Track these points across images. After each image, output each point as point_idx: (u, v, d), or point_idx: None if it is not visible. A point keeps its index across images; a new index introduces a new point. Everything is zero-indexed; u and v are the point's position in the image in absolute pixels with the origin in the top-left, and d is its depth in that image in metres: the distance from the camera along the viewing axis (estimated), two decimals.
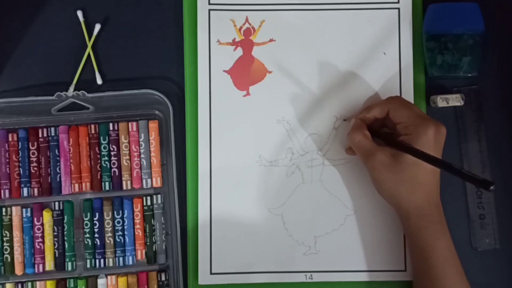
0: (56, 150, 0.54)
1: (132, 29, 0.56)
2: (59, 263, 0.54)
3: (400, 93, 0.55)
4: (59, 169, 0.54)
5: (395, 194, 0.49)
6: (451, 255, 0.49)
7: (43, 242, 0.54)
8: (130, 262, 0.54)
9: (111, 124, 0.55)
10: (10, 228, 0.54)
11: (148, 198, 0.55)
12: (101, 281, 0.54)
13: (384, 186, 0.49)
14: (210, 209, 0.55)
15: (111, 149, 0.54)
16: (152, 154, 0.54)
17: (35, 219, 0.54)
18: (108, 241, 0.54)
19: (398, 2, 0.56)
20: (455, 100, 0.54)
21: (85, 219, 0.54)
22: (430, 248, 0.48)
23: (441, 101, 0.54)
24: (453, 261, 0.49)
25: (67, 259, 0.54)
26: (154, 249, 0.55)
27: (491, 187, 0.40)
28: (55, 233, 0.54)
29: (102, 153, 0.54)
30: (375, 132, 0.51)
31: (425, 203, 0.48)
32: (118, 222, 0.54)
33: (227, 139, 0.55)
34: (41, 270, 0.54)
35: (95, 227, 0.54)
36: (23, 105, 0.54)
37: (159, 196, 0.55)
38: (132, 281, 0.54)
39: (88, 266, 0.54)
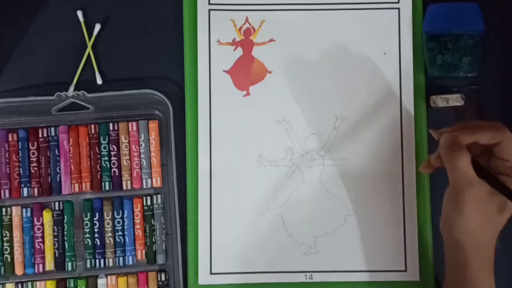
0: (56, 150, 0.54)
1: (132, 29, 0.57)
2: (59, 263, 0.54)
3: (400, 93, 0.55)
4: (59, 169, 0.54)
5: (470, 234, 0.45)
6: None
7: (43, 242, 0.54)
8: (130, 262, 0.54)
9: (111, 124, 0.55)
10: (10, 228, 0.54)
11: (148, 198, 0.55)
12: (101, 281, 0.54)
13: (464, 223, 0.44)
14: (210, 209, 0.55)
15: (111, 149, 0.54)
16: (152, 154, 0.54)
17: (35, 219, 0.54)
18: (108, 241, 0.54)
19: (398, 2, 0.56)
20: (455, 100, 0.54)
21: (85, 219, 0.54)
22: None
23: (441, 101, 0.54)
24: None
25: (67, 259, 0.54)
26: (154, 249, 0.55)
27: None
28: (55, 233, 0.54)
29: (102, 153, 0.54)
30: (475, 164, 0.45)
31: (490, 250, 0.46)
32: (118, 222, 0.54)
33: (227, 139, 0.55)
34: (41, 270, 0.54)
35: (95, 227, 0.54)
36: (23, 105, 0.54)
37: (159, 196, 0.55)
38: (132, 281, 0.54)
39: (88, 266, 0.54)
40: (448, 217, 0.46)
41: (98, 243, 0.54)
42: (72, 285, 0.54)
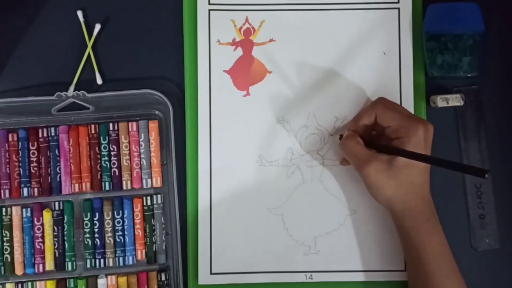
0: (56, 150, 0.54)
1: (132, 29, 0.56)
2: (59, 263, 0.54)
3: (400, 93, 0.55)
4: (59, 169, 0.54)
5: (391, 198, 0.49)
6: (445, 251, 0.49)
7: (43, 242, 0.54)
8: (130, 262, 0.54)
9: (111, 124, 0.55)
10: (10, 228, 0.54)
11: (148, 198, 0.55)
12: (101, 281, 0.54)
13: (381, 192, 0.49)
14: (210, 209, 0.55)
15: (111, 149, 0.54)
16: (152, 154, 0.54)
17: (35, 219, 0.54)
18: (108, 241, 0.54)
19: (398, 2, 0.56)
20: (455, 100, 0.54)
21: (85, 219, 0.54)
22: (424, 245, 0.49)
23: (441, 101, 0.54)
24: (447, 257, 0.49)
25: (67, 259, 0.54)
26: (154, 249, 0.55)
27: (486, 175, 0.40)
28: (55, 233, 0.54)
29: (102, 153, 0.54)
30: (365, 142, 0.51)
31: (419, 202, 0.49)
32: (118, 222, 0.54)
33: (227, 139, 0.55)
34: (41, 270, 0.54)
35: (95, 227, 0.54)
36: (23, 105, 0.54)
37: (159, 196, 0.55)
38: (132, 281, 0.54)
39: (88, 266, 0.54)
40: (370, 193, 0.51)
41: (98, 243, 0.54)
42: (72, 285, 0.54)
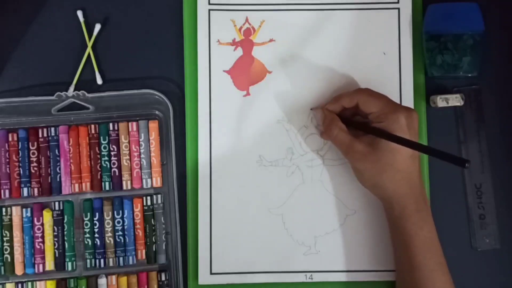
0: (56, 150, 0.54)
1: (132, 29, 0.56)
2: (59, 263, 0.54)
3: (400, 93, 0.55)
4: (59, 169, 0.54)
5: (377, 183, 0.49)
6: (433, 244, 0.49)
7: (43, 242, 0.54)
8: (130, 262, 0.54)
9: (111, 124, 0.55)
10: (10, 228, 0.54)
11: (148, 198, 0.55)
12: (101, 281, 0.54)
13: (366, 176, 0.50)
14: (210, 209, 0.55)
15: (111, 149, 0.54)
16: (152, 154, 0.54)
17: (35, 219, 0.54)
18: (108, 241, 0.54)
19: (398, 2, 0.56)
20: (455, 100, 0.54)
21: (85, 219, 0.54)
22: (412, 236, 0.48)
23: (441, 101, 0.54)
24: (435, 251, 0.49)
25: (67, 259, 0.54)
26: (154, 249, 0.55)
27: (467, 164, 0.41)
28: (55, 233, 0.54)
29: (102, 153, 0.54)
30: (348, 121, 0.52)
31: (408, 191, 0.49)
32: (118, 222, 0.54)
33: (227, 139, 0.55)
34: (41, 270, 0.54)
35: (95, 227, 0.54)
36: (23, 105, 0.54)
37: (159, 196, 0.55)
38: (132, 281, 0.54)
39: (88, 266, 0.54)
40: (357, 178, 0.51)
41: (98, 243, 0.54)
42: (72, 285, 0.54)
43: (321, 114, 0.54)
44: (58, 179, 0.54)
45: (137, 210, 0.54)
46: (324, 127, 0.52)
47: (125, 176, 0.54)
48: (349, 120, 0.52)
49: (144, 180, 0.54)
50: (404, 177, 0.48)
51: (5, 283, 0.54)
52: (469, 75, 0.54)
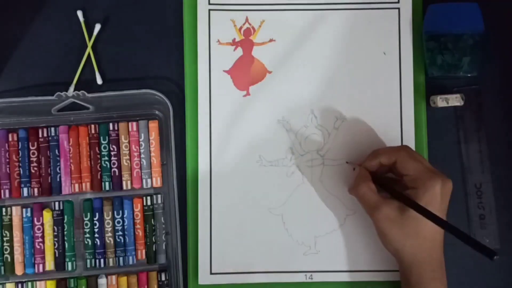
0: (56, 150, 0.54)
1: (132, 29, 0.57)
2: (59, 263, 0.54)
3: (400, 93, 0.55)
4: (59, 169, 0.54)
5: (399, 248, 0.48)
6: None
7: (43, 242, 0.54)
8: (130, 262, 0.54)
9: (111, 124, 0.55)
10: (10, 228, 0.54)
11: (148, 198, 0.55)
12: (101, 281, 0.54)
13: (389, 240, 0.49)
14: (210, 209, 0.55)
15: (111, 149, 0.54)
16: (152, 154, 0.54)
17: (35, 219, 0.54)
18: (108, 241, 0.54)
19: (398, 2, 0.56)
20: (455, 100, 0.54)
21: (85, 219, 0.54)
22: None
23: (441, 101, 0.54)
24: None
25: (67, 259, 0.54)
26: (154, 249, 0.55)
27: (495, 257, 0.40)
28: (55, 233, 0.54)
29: (102, 153, 0.54)
30: (380, 180, 0.51)
31: (427, 258, 0.48)
32: (118, 222, 0.54)
33: (227, 139, 0.55)
34: (41, 270, 0.54)
35: (95, 227, 0.54)
36: (23, 105, 0.54)
37: (159, 196, 0.55)
38: (132, 281, 0.54)
39: (88, 266, 0.54)
40: (379, 239, 0.50)
41: (98, 243, 0.54)
42: (72, 285, 0.54)
43: (356, 169, 0.53)
44: (58, 179, 0.54)
45: (137, 210, 0.54)
46: (354, 183, 0.51)
47: (125, 176, 0.54)
48: (380, 178, 0.51)
49: (144, 180, 0.54)
50: (428, 245, 0.48)
51: (5, 283, 0.54)
52: (469, 75, 0.54)
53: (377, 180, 0.51)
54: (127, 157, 0.54)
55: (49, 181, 0.54)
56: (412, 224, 0.47)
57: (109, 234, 0.54)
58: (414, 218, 0.47)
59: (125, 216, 0.54)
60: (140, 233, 0.54)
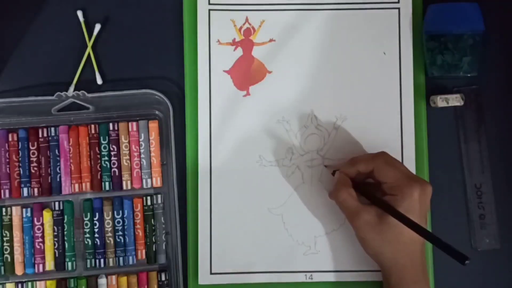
0: (56, 150, 0.54)
1: (132, 29, 0.57)
2: (59, 263, 0.54)
3: (400, 93, 0.55)
4: (59, 169, 0.54)
5: (379, 253, 0.49)
6: None
7: (43, 242, 0.54)
8: (130, 262, 0.54)
9: (111, 124, 0.55)
10: (10, 228, 0.54)
11: (148, 198, 0.55)
12: (101, 281, 0.54)
13: (369, 245, 0.49)
14: (210, 209, 0.55)
15: (111, 149, 0.54)
16: (152, 154, 0.54)
17: (35, 219, 0.54)
18: (108, 241, 0.54)
19: (398, 2, 0.56)
20: (455, 100, 0.54)
21: (85, 219, 0.54)
22: None
23: (441, 101, 0.54)
24: None
25: (67, 259, 0.54)
26: (154, 249, 0.55)
27: (466, 262, 0.40)
28: (55, 233, 0.54)
29: (102, 153, 0.54)
30: (360, 187, 0.51)
31: (408, 262, 0.48)
32: (118, 222, 0.54)
33: (227, 139, 0.55)
34: (41, 270, 0.54)
35: (95, 227, 0.54)
36: (23, 105, 0.54)
37: (159, 196, 0.55)
38: (132, 281, 0.54)
39: (88, 266, 0.54)
40: (360, 243, 0.50)
41: (98, 243, 0.54)
42: (72, 285, 0.54)
43: (336, 175, 0.52)
44: (58, 179, 0.54)
45: (137, 210, 0.54)
46: (334, 188, 0.51)
47: (125, 176, 0.54)
48: (359, 185, 0.51)
49: (144, 180, 0.54)
50: (407, 250, 0.48)
51: (5, 283, 0.54)
52: (469, 75, 0.54)
53: (357, 185, 0.51)
54: (127, 157, 0.54)
55: (49, 181, 0.54)
56: (391, 230, 0.47)
57: (109, 234, 0.54)
58: (393, 224, 0.47)
59: (125, 216, 0.54)
60: (140, 233, 0.54)
